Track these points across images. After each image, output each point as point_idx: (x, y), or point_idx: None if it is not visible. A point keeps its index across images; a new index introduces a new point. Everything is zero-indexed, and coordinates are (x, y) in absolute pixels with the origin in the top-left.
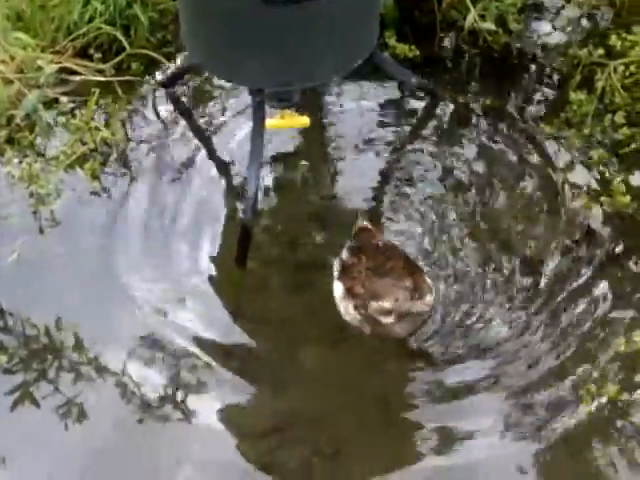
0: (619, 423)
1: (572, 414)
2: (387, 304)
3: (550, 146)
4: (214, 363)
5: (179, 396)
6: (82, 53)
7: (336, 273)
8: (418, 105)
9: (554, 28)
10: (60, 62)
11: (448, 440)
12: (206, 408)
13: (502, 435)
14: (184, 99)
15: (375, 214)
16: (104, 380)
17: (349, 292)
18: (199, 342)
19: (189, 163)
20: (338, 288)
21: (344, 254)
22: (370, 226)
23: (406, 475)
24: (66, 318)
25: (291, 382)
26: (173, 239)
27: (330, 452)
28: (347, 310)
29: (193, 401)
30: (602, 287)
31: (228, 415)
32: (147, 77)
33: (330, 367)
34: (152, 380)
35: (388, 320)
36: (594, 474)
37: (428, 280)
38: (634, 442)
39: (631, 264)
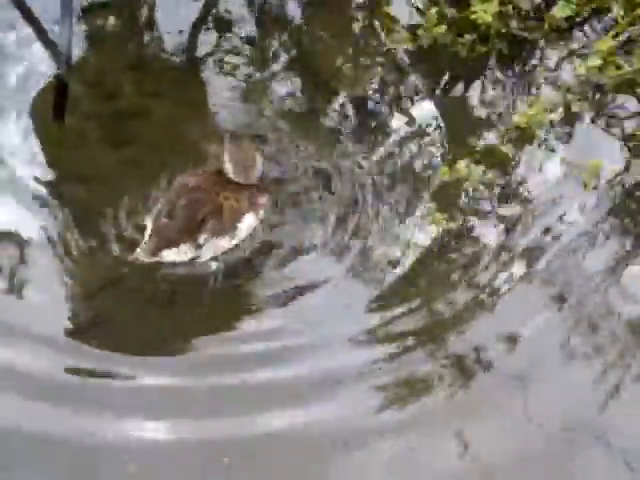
0: (450, 251)
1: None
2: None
3: None
4: (37, 223)
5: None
6: None
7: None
8: None
9: None
10: None
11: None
12: (33, 270)
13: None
14: None
15: None
16: None
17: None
18: (18, 201)
19: None
20: (248, 219)
21: (209, 210)
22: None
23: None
24: None
25: (118, 238)
26: None
27: (164, 301)
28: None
29: (18, 263)
30: (424, 118)
31: (57, 277)
32: None
33: None
34: None
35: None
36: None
37: None
38: (469, 269)
39: (450, 93)
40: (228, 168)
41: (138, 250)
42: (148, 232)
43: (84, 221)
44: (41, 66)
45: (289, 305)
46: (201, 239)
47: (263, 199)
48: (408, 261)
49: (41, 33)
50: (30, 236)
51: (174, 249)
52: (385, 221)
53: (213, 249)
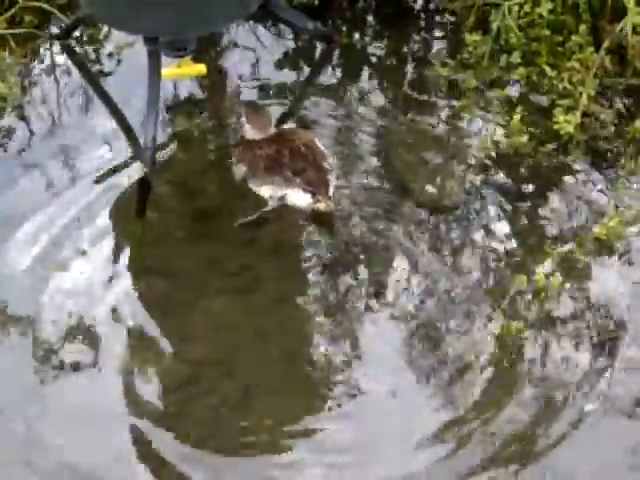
0: (524, 360)
1: (478, 350)
2: None
3: (446, 88)
4: (117, 317)
5: (83, 351)
6: None
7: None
8: (315, 50)
9: None
10: None
11: (351, 391)
12: (112, 363)
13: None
14: (79, 51)
15: None
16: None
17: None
18: (99, 297)
19: (85, 115)
20: (319, 143)
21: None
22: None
23: (311, 422)
24: None
25: (195, 333)
26: (72, 191)
27: (238, 402)
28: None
29: (98, 355)
30: (501, 226)
31: (135, 370)
32: (41, 30)
33: (234, 316)
34: (49, 339)
35: None
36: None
37: None
38: (539, 379)
39: (530, 202)
40: (246, 129)
41: (322, 204)
42: (304, 191)
43: (161, 315)
44: (124, 162)
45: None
46: (327, 165)
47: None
48: (479, 369)
49: (126, 132)
50: (109, 327)
51: (329, 186)
52: (459, 327)
53: (335, 171)
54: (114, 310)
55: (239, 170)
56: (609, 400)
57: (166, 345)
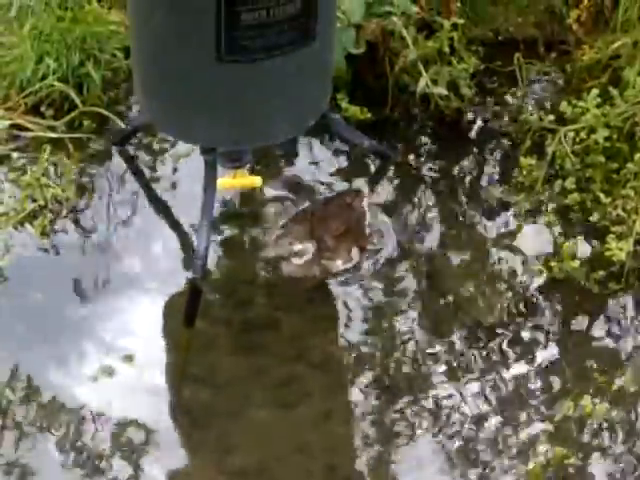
0: None
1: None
2: None
3: (500, 210)
4: (159, 426)
5: (122, 462)
6: (34, 110)
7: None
8: (369, 167)
9: (505, 94)
10: (12, 118)
11: None
12: (151, 472)
13: None
14: (136, 157)
15: None
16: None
17: None
18: (144, 404)
19: (139, 221)
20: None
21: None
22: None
23: None
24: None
25: (238, 445)
26: (122, 296)
27: None
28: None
29: (137, 466)
30: (551, 352)
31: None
32: (99, 135)
33: (277, 429)
34: (91, 445)
35: None
36: None
37: None
38: None
39: (580, 329)
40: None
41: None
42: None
43: (204, 425)
44: (176, 271)
45: None
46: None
47: None
48: None
49: (179, 240)
50: (153, 435)
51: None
52: (505, 451)
53: None
54: (158, 418)
55: (346, 258)
56: None
57: (208, 455)
